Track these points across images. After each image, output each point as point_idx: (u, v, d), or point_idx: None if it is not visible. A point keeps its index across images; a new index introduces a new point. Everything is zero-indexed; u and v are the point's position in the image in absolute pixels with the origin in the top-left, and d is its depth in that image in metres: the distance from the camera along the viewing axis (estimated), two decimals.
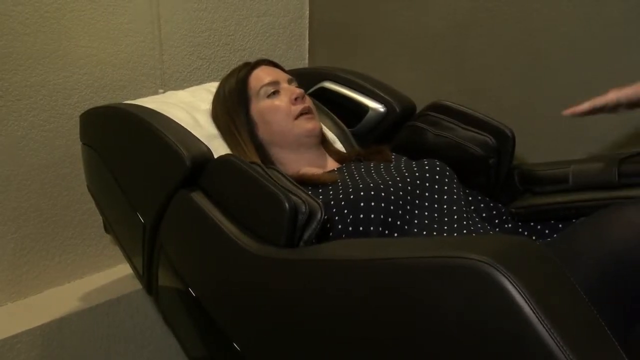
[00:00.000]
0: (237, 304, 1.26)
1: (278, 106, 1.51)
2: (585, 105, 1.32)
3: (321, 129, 1.56)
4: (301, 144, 1.51)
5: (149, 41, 1.97)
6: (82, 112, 1.67)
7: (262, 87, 1.53)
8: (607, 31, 1.68)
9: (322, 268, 1.09)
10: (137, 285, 1.77)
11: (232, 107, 1.54)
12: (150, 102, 1.59)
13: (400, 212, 1.32)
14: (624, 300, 0.97)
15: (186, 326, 1.50)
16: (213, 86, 1.69)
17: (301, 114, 1.50)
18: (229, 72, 1.64)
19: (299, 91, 1.53)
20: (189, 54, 2.08)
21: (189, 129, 1.45)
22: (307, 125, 1.50)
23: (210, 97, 1.64)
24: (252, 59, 1.65)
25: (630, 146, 1.47)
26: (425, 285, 0.91)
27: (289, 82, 1.57)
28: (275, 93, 1.52)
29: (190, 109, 1.60)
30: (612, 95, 1.29)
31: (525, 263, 0.86)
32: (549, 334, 0.78)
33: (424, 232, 1.31)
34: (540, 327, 0.78)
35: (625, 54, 1.65)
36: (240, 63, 1.64)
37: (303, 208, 1.15)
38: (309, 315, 1.10)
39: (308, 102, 1.54)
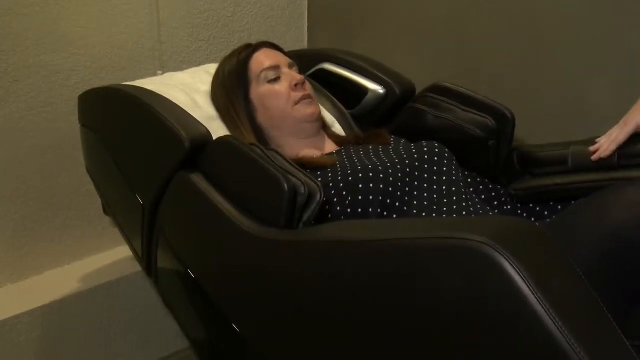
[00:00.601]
0: (237, 286, 1.26)
1: (278, 92, 1.50)
2: (612, 147, 1.35)
3: (320, 113, 1.56)
4: (301, 129, 1.51)
5: (148, 22, 1.96)
6: (81, 93, 1.67)
7: (262, 71, 1.52)
8: (608, 13, 1.67)
9: (321, 249, 1.09)
10: (137, 267, 1.77)
11: (232, 88, 1.53)
12: (149, 83, 1.58)
13: (398, 193, 1.32)
14: (624, 281, 0.97)
15: (186, 308, 1.50)
16: (212, 68, 1.68)
17: (301, 100, 1.50)
18: (229, 52, 1.63)
19: (299, 77, 1.52)
20: (188, 35, 2.07)
21: (188, 111, 1.44)
22: (306, 110, 1.50)
23: (210, 79, 1.63)
24: (251, 41, 1.64)
25: None
26: (425, 266, 0.91)
27: (290, 66, 1.56)
28: (276, 78, 1.52)
29: (189, 90, 1.60)
30: (632, 126, 1.32)
31: (525, 244, 0.86)
32: (548, 315, 0.78)
33: (423, 214, 1.31)
34: (539, 308, 0.78)
35: (626, 37, 1.65)
36: (240, 45, 1.63)
37: (302, 189, 1.15)
38: (308, 296, 1.10)
39: (308, 88, 1.54)
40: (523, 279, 0.80)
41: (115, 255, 2.01)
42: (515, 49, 1.86)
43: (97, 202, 1.84)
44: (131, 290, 1.91)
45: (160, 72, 1.98)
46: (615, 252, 0.97)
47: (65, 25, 1.80)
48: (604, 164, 1.37)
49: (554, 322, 0.77)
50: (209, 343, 1.48)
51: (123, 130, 1.53)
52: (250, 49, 1.57)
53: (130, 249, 1.65)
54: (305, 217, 1.16)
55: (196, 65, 1.87)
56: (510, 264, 0.81)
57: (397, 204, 1.31)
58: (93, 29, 1.85)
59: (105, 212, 1.77)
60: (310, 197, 1.16)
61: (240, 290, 1.26)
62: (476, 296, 0.85)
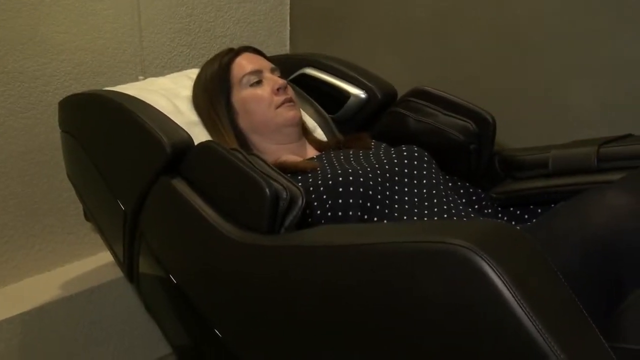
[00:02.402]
0: (219, 291, 1.26)
1: (260, 96, 1.50)
2: None
3: (301, 118, 1.56)
4: (282, 133, 1.51)
5: (129, 27, 1.95)
6: (62, 99, 1.66)
7: (244, 75, 1.52)
8: (588, 17, 1.69)
9: (303, 254, 1.09)
10: (118, 273, 1.76)
11: (213, 92, 1.53)
12: (130, 88, 1.58)
13: (379, 197, 1.32)
14: (604, 283, 0.98)
15: (168, 313, 1.49)
16: (194, 73, 1.68)
17: (283, 103, 1.50)
18: (211, 56, 1.63)
19: (281, 81, 1.52)
20: (170, 40, 2.06)
21: (169, 116, 1.44)
22: (288, 113, 1.50)
23: (191, 84, 1.63)
24: (233, 46, 1.64)
25: (610, 131, 1.47)
26: (406, 270, 0.91)
27: (272, 71, 1.56)
28: (258, 82, 1.52)
29: (170, 95, 1.59)
30: None
31: (506, 248, 0.86)
32: (529, 318, 0.78)
33: (404, 217, 1.31)
34: (520, 311, 0.79)
35: (606, 39, 1.66)
36: (221, 50, 1.63)
37: (284, 194, 1.15)
38: (291, 300, 1.10)
39: (290, 92, 1.54)
40: (504, 283, 0.80)
41: (96, 261, 1.99)
42: (497, 53, 1.87)
43: (78, 207, 1.83)
44: (112, 296, 1.90)
45: (141, 77, 1.97)
46: (595, 255, 0.98)
47: (45, 31, 1.79)
48: (584, 167, 1.39)
49: (534, 325, 0.78)
50: (191, 348, 1.48)
51: (104, 136, 1.52)
52: (232, 54, 1.57)
53: (112, 255, 1.64)
54: (287, 221, 1.16)
55: (178, 71, 1.86)
56: (492, 267, 0.81)
57: (378, 207, 1.31)
58: (73, 34, 1.84)
59: (87, 217, 1.76)
60: (292, 201, 1.16)
61: (222, 295, 1.25)
62: (458, 300, 0.85)
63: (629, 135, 1.43)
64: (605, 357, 0.80)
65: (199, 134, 1.50)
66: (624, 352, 0.81)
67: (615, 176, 1.30)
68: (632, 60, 1.64)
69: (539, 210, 1.44)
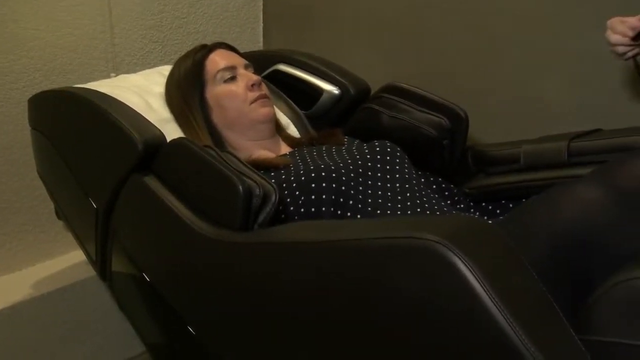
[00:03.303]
0: (192, 288, 1.26)
1: (234, 92, 1.50)
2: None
3: (274, 115, 1.56)
4: (256, 130, 1.51)
5: (100, 24, 1.93)
6: (32, 96, 1.64)
7: (218, 71, 1.51)
8: (560, 13, 1.70)
9: (277, 251, 1.09)
10: (91, 272, 1.74)
11: (187, 89, 1.53)
12: (101, 85, 1.56)
13: (352, 192, 1.33)
14: (574, 276, 0.99)
15: (141, 311, 1.49)
16: (166, 69, 1.67)
17: (257, 99, 1.50)
18: (184, 53, 1.62)
19: (255, 78, 1.52)
20: (141, 37, 2.05)
21: (141, 113, 1.43)
22: (261, 110, 1.50)
23: (164, 81, 1.62)
24: (206, 42, 1.63)
25: (581, 126, 1.49)
26: (380, 266, 0.91)
27: (246, 67, 1.56)
28: (232, 78, 1.52)
29: (143, 92, 1.58)
30: None
31: (477, 243, 0.87)
32: (500, 312, 0.79)
33: (378, 212, 1.32)
34: (491, 306, 0.80)
35: (578, 36, 1.68)
36: (194, 46, 1.62)
37: (257, 191, 1.15)
38: (264, 297, 1.10)
39: (264, 89, 1.54)
40: (475, 277, 0.81)
41: (68, 260, 1.98)
42: (470, 49, 1.88)
43: (50, 206, 1.82)
44: (85, 295, 1.88)
45: (113, 74, 1.95)
46: (565, 249, 0.99)
47: (14, 27, 1.76)
48: (555, 162, 1.40)
49: (505, 319, 0.78)
50: (165, 346, 1.47)
51: (75, 134, 1.51)
52: (205, 50, 1.56)
53: (84, 253, 1.63)
54: (261, 218, 1.16)
55: (150, 67, 1.85)
56: (463, 262, 0.82)
57: (351, 202, 1.32)
58: (43, 30, 1.82)
59: (58, 216, 1.74)
60: (265, 198, 1.16)
61: (195, 292, 1.25)
62: (430, 294, 0.86)
63: (599, 130, 1.44)
64: (574, 350, 0.81)
65: (172, 131, 1.49)
66: (592, 344, 0.82)
67: (585, 170, 1.31)
68: (602, 55, 1.65)
69: (511, 205, 1.45)
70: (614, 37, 1.29)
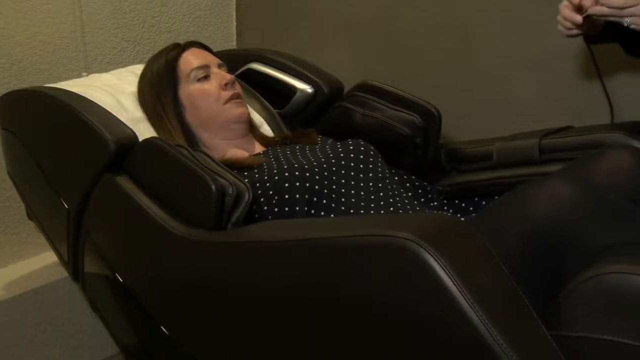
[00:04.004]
0: (165, 288, 1.25)
1: (208, 91, 1.49)
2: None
3: (249, 115, 1.56)
4: (229, 129, 1.51)
5: (70, 23, 1.91)
6: (1, 95, 1.62)
7: (192, 70, 1.51)
8: (532, 12, 1.71)
9: (250, 250, 1.09)
10: (63, 273, 1.73)
11: (160, 88, 1.52)
12: (73, 85, 1.55)
13: (325, 191, 1.33)
14: (545, 272, 1.00)
15: (114, 312, 1.48)
16: (138, 69, 1.66)
17: (230, 99, 1.49)
18: (157, 52, 1.61)
19: (229, 77, 1.52)
20: (113, 35, 2.03)
21: (113, 113, 1.42)
22: (235, 110, 1.50)
23: (136, 80, 1.61)
24: (178, 41, 1.62)
25: (552, 123, 1.50)
26: (352, 264, 0.92)
27: (219, 66, 1.55)
28: (206, 77, 1.51)
29: (114, 91, 1.57)
30: None
31: (450, 240, 0.88)
32: (472, 309, 0.80)
33: (351, 210, 1.32)
34: (463, 303, 0.80)
35: (549, 35, 1.69)
36: (167, 45, 1.61)
37: (230, 190, 1.14)
38: (238, 296, 1.10)
39: (238, 88, 1.54)
40: (447, 274, 0.81)
41: (40, 261, 1.95)
42: (442, 47, 1.89)
43: (21, 207, 1.79)
44: (57, 296, 1.86)
45: (85, 73, 1.93)
46: (537, 245, 1.00)
47: None
48: (527, 159, 1.41)
49: (477, 316, 0.79)
50: (139, 347, 1.47)
51: (46, 134, 1.49)
52: (179, 48, 1.56)
53: (56, 254, 1.62)
54: (234, 217, 1.16)
55: (122, 66, 1.83)
56: (435, 259, 0.82)
57: (324, 201, 1.32)
58: (11, 29, 1.80)
59: (29, 217, 1.72)
60: (238, 197, 1.15)
61: (168, 292, 1.25)
62: (403, 292, 0.86)
63: (569, 127, 1.46)
64: (546, 346, 0.81)
65: (145, 131, 1.48)
66: (563, 339, 0.83)
67: (556, 167, 1.34)
68: (572, 53, 1.67)
69: (484, 203, 1.46)
70: (565, 11, 1.31)
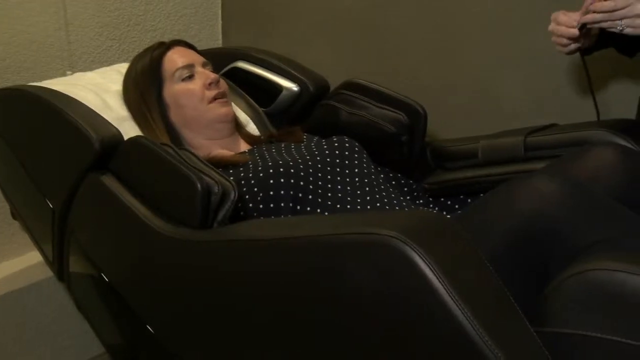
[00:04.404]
0: (151, 287, 1.25)
1: (192, 90, 1.49)
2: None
3: (234, 114, 1.56)
4: (214, 129, 1.50)
5: (54, 21, 1.90)
6: None
7: (176, 70, 1.50)
8: (519, 10, 1.72)
9: (236, 248, 1.09)
10: (49, 273, 1.72)
11: (144, 86, 1.51)
12: (57, 84, 1.54)
13: (311, 187, 1.33)
14: (531, 268, 1.00)
15: (100, 312, 1.47)
16: (123, 67, 1.65)
17: (215, 98, 1.49)
18: (142, 50, 1.60)
19: (213, 76, 1.51)
20: (98, 34, 2.02)
21: (98, 111, 1.42)
22: (220, 110, 1.49)
23: (121, 79, 1.60)
24: (164, 40, 1.62)
25: (537, 121, 1.51)
26: (338, 261, 0.92)
27: (204, 65, 1.55)
28: (190, 77, 1.50)
29: (99, 90, 1.56)
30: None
31: (436, 238, 0.88)
32: (457, 306, 0.80)
33: (337, 206, 1.33)
34: (449, 300, 0.80)
35: (535, 33, 1.70)
36: (152, 44, 1.60)
37: (216, 189, 1.14)
38: (224, 294, 1.10)
39: (223, 87, 1.53)
40: (433, 272, 0.82)
41: (25, 261, 1.94)
42: (429, 46, 1.89)
43: (5, 206, 1.78)
44: (42, 296, 1.85)
45: (69, 72, 1.92)
46: (521, 241, 1.00)
47: None
48: (512, 157, 1.42)
49: (462, 313, 0.79)
50: (125, 347, 1.46)
51: (30, 133, 1.49)
52: (163, 47, 1.55)
53: (41, 254, 1.61)
54: (220, 216, 1.16)
55: (107, 65, 1.83)
56: (420, 257, 0.82)
57: (310, 197, 1.32)
58: None
59: (14, 216, 1.72)
60: (224, 196, 1.15)
61: (154, 291, 1.24)
62: (389, 289, 0.86)
63: (554, 125, 1.47)
64: (530, 342, 0.82)
65: (129, 130, 1.47)
66: (547, 335, 0.83)
67: (541, 164, 1.34)
68: (557, 53, 1.68)
69: (469, 200, 1.47)
70: (558, 28, 1.32)
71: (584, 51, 1.39)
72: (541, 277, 0.97)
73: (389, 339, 0.88)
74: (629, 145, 1.30)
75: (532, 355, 0.81)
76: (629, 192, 1.14)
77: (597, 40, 1.36)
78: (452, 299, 0.80)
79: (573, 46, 1.34)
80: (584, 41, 1.33)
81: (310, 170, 1.36)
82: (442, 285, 0.81)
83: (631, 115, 1.51)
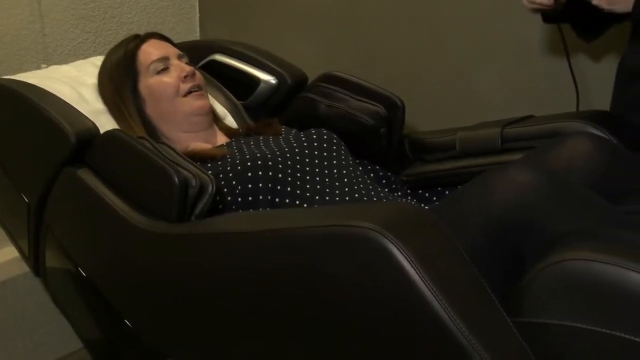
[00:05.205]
0: (129, 281, 1.24)
1: (167, 83, 1.48)
2: None
3: (210, 107, 1.55)
4: (190, 122, 1.49)
5: (28, 14, 1.88)
6: None
7: (151, 62, 1.49)
8: (494, 2, 1.73)
9: (214, 242, 1.09)
10: (25, 268, 1.70)
11: (119, 80, 1.50)
12: (31, 77, 1.53)
13: (289, 179, 1.33)
14: (508, 258, 1.01)
15: (77, 307, 1.46)
16: (99, 60, 1.64)
17: (190, 91, 1.48)
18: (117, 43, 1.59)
19: (189, 68, 1.50)
20: (73, 27, 2.00)
21: (73, 105, 1.41)
22: (195, 103, 1.48)
23: (97, 72, 1.59)
24: (140, 33, 1.61)
25: (513, 113, 1.52)
26: (317, 254, 0.92)
27: (179, 57, 1.54)
28: (165, 69, 1.49)
29: (75, 83, 1.55)
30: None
31: (413, 230, 0.88)
32: (435, 298, 0.80)
33: (316, 198, 1.33)
34: (426, 291, 0.81)
35: (512, 26, 1.71)
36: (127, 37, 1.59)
37: (193, 182, 1.14)
38: (202, 288, 1.10)
39: (198, 79, 1.52)
40: (410, 263, 0.82)
41: (1, 256, 1.92)
42: (406, 38, 1.90)
43: None
44: (19, 292, 1.84)
45: (44, 65, 1.90)
46: (498, 232, 1.01)
47: None
48: (489, 148, 1.43)
49: (440, 304, 0.80)
50: (103, 341, 1.46)
51: (4, 127, 1.47)
52: (138, 40, 1.54)
53: (17, 249, 1.60)
54: (198, 209, 1.16)
55: (82, 58, 1.81)
56: (398, 248, 0.83)
57: (288, 189, 1.32)
58: None
59: None
60: (202, 189, 1.15)
61: (132, 285, 1.24)
62: (367, 281, 0.87)
63: (530, 117, 1.48)
64: (507, 332, 0.82)
65: (106, 123, 1.46)
66: (524, 326, 0.84)
67: (518, 156, 1.36)
68: (532, 45, 1.69)
69: (447, 192, 1.47)
70: None
71: (546, 18, 1.40)
72: (518, 267, 0.98)
73: (367, 330, 0.88)
74: (603, 135, 1.32)
75: (509, 345, 0.82)
76: (604, 182, 1.15)
77: (563, 10, 1.36)
78: (429, 290, 0.81)
79: (537, 4, 1.35)
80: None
81: (289, 163, 1.36)
82: (419, 276, 0.81)
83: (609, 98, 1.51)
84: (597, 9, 1.27)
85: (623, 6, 1.24)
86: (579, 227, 0.99)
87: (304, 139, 1.45)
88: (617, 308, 0.81)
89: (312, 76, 1.70)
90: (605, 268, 0.83)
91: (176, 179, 1.13)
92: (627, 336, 0.79)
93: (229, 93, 1.74)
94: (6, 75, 1.59)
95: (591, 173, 1.16)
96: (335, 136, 1.48)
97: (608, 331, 0.80)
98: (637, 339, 0.78)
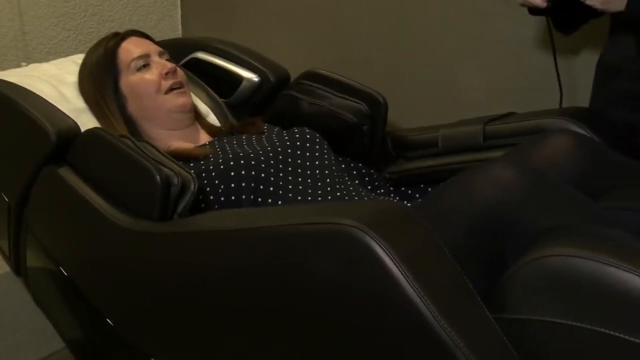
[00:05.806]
0: (111, 280, 1.24)
1: (148, 80, 1.47)
2: None
3: (192, 105, 1.54)
4: (172, 119, 1.49)
5: (8, 11, 1.87)
6: None
7: (132, 60, 1.48)
8: (474, 1, 1.74)
9: (196, 240, 1.09)
10: (5, 268, 1.69)
11: (100, 78, 1.49)
12: (11, 75, 1.52)
13: (271, 178, 1.33)
14: (490, 255, 1.02)
15: (59, 306, 1.46)
16: (80, 58, 1.63)
17: (171, 89, 1.47)
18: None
19: (170, 65, 1.49)
20: (53, 24, 1.99)
21: (54, 103, 1.40)
22: (177, 100, 1.48)
23: (77, 70, 1.58)
24: (122, 31, 1.60)
25: (495, 110, 1.53)
26: (300, 252, 0.92)
27: (160, 55, 1.53)
28: (146, 66, 1.48)
29: (55, 82, 1.54)
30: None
31: (396, 227, 0.88)
32: (418, 295, 0.80)
33: (298, 198, 1.33)
34: (408, 288, 0.81)
35: (493, 23, 1.72)
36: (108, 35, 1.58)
37: (175, 180, 1.13)
38: (184, 287, 1.09)
39: (180, 76, 1.51)
40: (392, 260, 0.82)
41: None
42: (388, 35, 1.90)
43: None
44: (0, 292, 1.83)
45: (24, 63, 1.89)
46: (480, 228, 1.01)
47: None
48: (471, 145, 1.43)
49: (422, 301, 0.80)
50: (85, 341, 1.45)
51: None
52: (118, 37, 1.53)
53: None
54: (180, 208, 1.15)
55: (63, 56, 1.80)
56: (380, 246, 0.83)
57: (271, 188, 1.32)
58: None
59: None
60: (184, 187, 1.14)
61: (114, 284, 1.23)
62: (350, 279, 0.87)
63: (512, 113, 1.48)
64: (489, 329, 0.83)
65: (87, 122, 1.45)
66: (505, 322, 0.84)
67: (500, 153, 1.36)
68: (514, 43, 1.70)
69: (430, 189, 1.48)
70: None
71: (531, 10, 1.40)
72: (500, 264, 0.98)
73: (351, 327, 0.88)
74: (585, 132, 1.33)
75: (491, 341, 0.82)
76: (585, 179, 1.16)
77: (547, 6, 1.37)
78: (412, 287, 0.81)
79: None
80: None
81: (271, 162, 1.35)
82: (402, 274, 0.81)
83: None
84: (585, 7, 1.27)
85: (616, 6, 1.24)
86: (560, 223, 1.00)
87: (286, 138, 1.44)
88: (597, 303, 0.81)
89: (294, 74, 1.70)
90: (584, 263, 0.83)
91: (158, 177, 1.12)
92: (607, 331, 0.80)
93: (211, 91, 1.73)
94: None
95: (572, 170, 1.17)
96: (318, 135, 1.48)
97: (589, 326, 0.81)
98: (617, 334, 0.79)
